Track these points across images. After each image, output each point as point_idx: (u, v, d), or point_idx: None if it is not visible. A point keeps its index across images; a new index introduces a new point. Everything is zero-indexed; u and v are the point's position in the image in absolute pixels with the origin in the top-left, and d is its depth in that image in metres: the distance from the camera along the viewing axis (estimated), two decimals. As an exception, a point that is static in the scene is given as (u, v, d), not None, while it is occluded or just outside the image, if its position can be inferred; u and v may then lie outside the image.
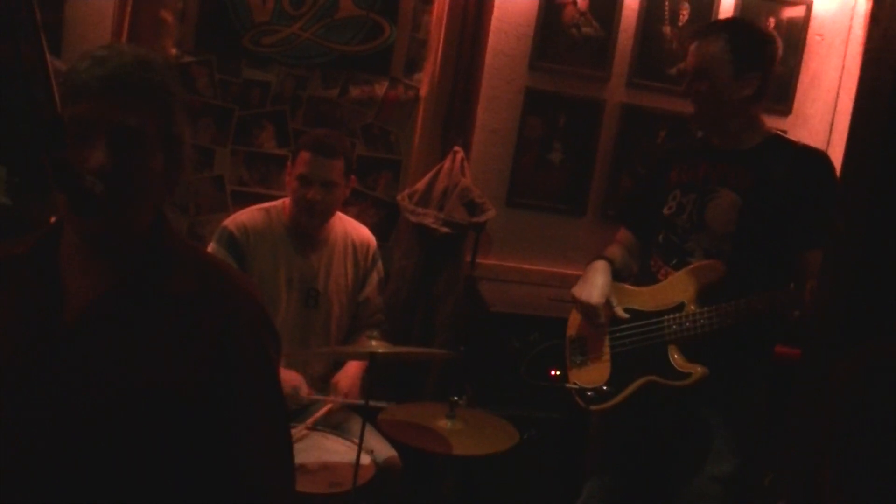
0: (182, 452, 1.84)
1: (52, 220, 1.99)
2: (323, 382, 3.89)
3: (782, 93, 5.05)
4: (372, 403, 3.37)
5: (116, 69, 1.78)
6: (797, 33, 5.05)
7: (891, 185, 1.83)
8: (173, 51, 4.61)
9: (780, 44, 4.85)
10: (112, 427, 1.79)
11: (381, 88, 4.81)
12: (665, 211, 3.42)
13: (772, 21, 4.99)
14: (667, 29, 4.89)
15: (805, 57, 5.09)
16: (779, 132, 3.46)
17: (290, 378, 3.71)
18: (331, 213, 3.92)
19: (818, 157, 3.28)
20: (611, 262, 3.53)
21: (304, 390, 3.72)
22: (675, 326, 3.25)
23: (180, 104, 1.89)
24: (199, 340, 1.85)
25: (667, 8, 4.90)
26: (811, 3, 5.01)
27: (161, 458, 1.83)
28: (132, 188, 1.80)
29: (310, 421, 3.63)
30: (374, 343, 3.32)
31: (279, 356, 2.05)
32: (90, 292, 1.84)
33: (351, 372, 3.88)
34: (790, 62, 5.06)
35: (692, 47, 3.35)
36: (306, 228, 3.89)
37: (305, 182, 3.78)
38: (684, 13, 4.90)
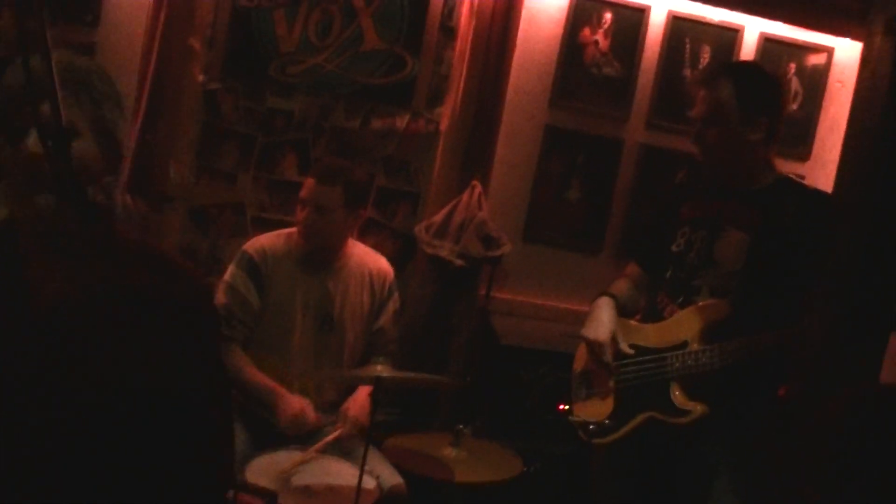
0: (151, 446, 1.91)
1: None
2: (333, 408, 3.91)
3: (801, 138, 5.10)
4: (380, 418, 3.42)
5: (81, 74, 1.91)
6: (818, 79, 5.09)
7: (878, 221, 1.87)
8: (200, 77, 4.71)
9: (793, 86, 4.94)
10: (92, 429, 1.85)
11: (402, 121, 4.88)
12: (674, 248, 3.44)
13: (792, 67, 5.03)
14: (687, 71, 4.95)
15: (825, 103, 5.12)
16: (790, 175, 3.48)
17: (296, 402, 3.73)
18: (328, 240, 3.94)
19: (827, 200, 3.30)
20: (615, 298, 3.56)
21: (311, 414, 3.75)
22: (677, 364, 3.27)
23: (107, 97, 2.03)
24: (156, 330, 1.92)
25: (688, 50, 4.96)
26: (832, 50, 5.05)
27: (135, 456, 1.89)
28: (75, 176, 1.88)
29: (319, 445, 3.66)
30: (379, 368, 3.36)
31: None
32: (58, 294, 1.91)
33: (360, 400, 3.90)
34: (810, 108, 5.10)
35: (700, 94, 3.38)
36: (309, 252, 3.94)
37: (302, 204, 3.86)
38: (705, 56, 4.96)
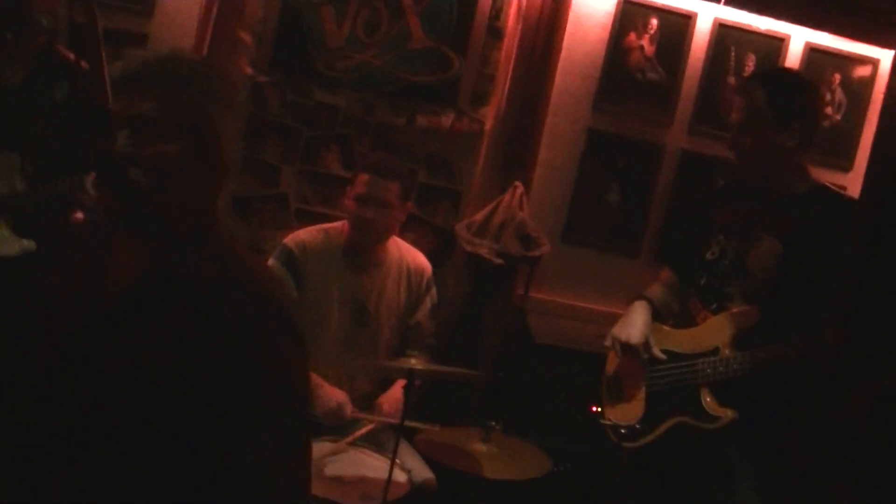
0: (186, 442, 1.91)
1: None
2: (367, 401, 3.97)
3: (844, 148, 5.07)
4: (412, 424, 3.47)
5: (140, 65, 1.93)
6: (863, 90, 5.07)
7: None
8: (249, 70, 4.77)
9: (838, 97, 4.94)
10: (128, 399, 1.89)
11: (447, 119, 4.92)
12: (708, 255, 3.46)
13: (837, 77, 5.02)
14: (731, 79, 4.93)
15: (870, 114, 5.07)
16: (826, 184, 3.47)
17: (335, 395, 3.81)
18: (386, 234, 4.03)
19: None
20: (651, 302, 3.59)
21: (349, 408, 3.81)
22: (708, 370, 3.29)
23: (205, 100, 1.99)
24: (216, 332, 1.93)
25: (733, 58, 4.96)
26: (878, 61, 5.02)
27: (167, 446, 1.91)
28: (149, 173, 1.91)
29: (350, 438, 3.71)
30: (412, 361, 3.42)
31: (301, 361, 2.08)
32: (130, 276, 1.97)
33: (395, 394, 3.95)
34: (854, 119, 5.08)
35: (736, 101, 3.40)
36: (361, 248, 4.00)
37: (362, 202, 3.90)
38: (750, 64, 4.96)
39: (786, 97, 3.30)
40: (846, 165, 5.09)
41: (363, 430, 3.77)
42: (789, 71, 4.19)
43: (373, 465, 3.58)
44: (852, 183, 5.04)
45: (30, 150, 3.05)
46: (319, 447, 3.59)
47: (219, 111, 2.01)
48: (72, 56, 3.32)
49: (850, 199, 3.41)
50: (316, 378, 3.81)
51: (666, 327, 3.55)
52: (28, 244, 1.96)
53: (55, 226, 2.02)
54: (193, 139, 1.98)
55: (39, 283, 2.08)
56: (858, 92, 5.07)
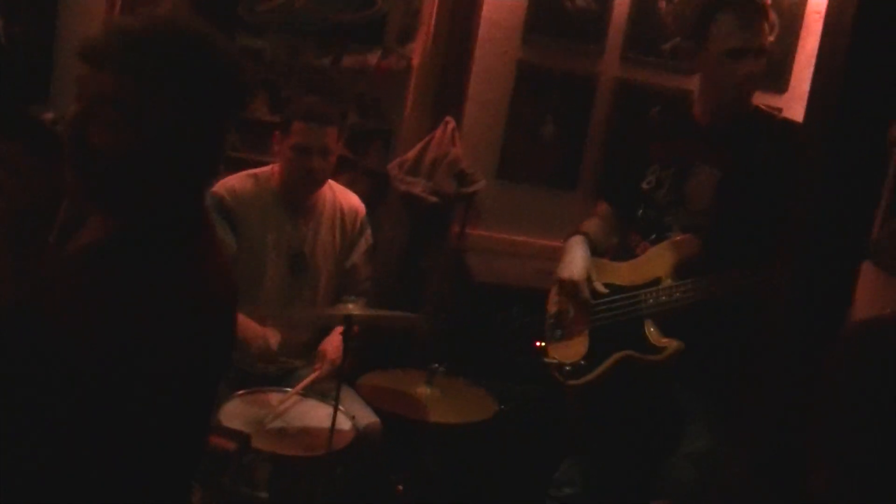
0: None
1: None
2: (307, 349, 3.92)
3: (778, 71, 5.02)
4: None
5: (112, 39, 1.80)
6: (795, 11, 5.02)
7: (846, 149, 1.85)
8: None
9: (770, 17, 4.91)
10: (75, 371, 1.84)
11: (373, 58, 4.84)
12: (644, 186, 3.42)
13: (768, -2, 4.97)
14: (662, 3, 4.87)
15: (802, 35, 5.05)
16: (759, 106, 3.43)
17: (259, 330, 3.72)
18: (326, 179, 3.95)
19: (797, 130, 3.23)
20: (587, 235, 3.54)
21: (273, 339, 3.72)
22: (651, 300, 3.27)
23: (174, 77, 1.82)
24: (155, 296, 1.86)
25: (663, -18, 4.90)
26: (810, -20, 4.99)
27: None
28: (99, 151, 1.82)
29: (297, 388, 3.65)
30: (350, 307, 3.36)
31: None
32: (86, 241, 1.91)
33: (336, 340, 3.89)
34: (787, 40, 5.03)
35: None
36: (302, 196, 3.91)
37: (303, 151, 3.78)
38: (680, -14, 4.90)
39: None
40: (780, 87, 5.06)
41: (309, 379, 3.70)
42: None
43: (316, 414, 3.53)
44: (787, 104, 5.01)
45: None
46: (265, 399, 3.56)
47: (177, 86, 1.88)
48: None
49: (784, 121, 3.39)
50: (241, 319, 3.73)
51: (606, 261, 3.52)
52: None
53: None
54: (147, 116, 1.83)
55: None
56: (790, 12, 5.02)
